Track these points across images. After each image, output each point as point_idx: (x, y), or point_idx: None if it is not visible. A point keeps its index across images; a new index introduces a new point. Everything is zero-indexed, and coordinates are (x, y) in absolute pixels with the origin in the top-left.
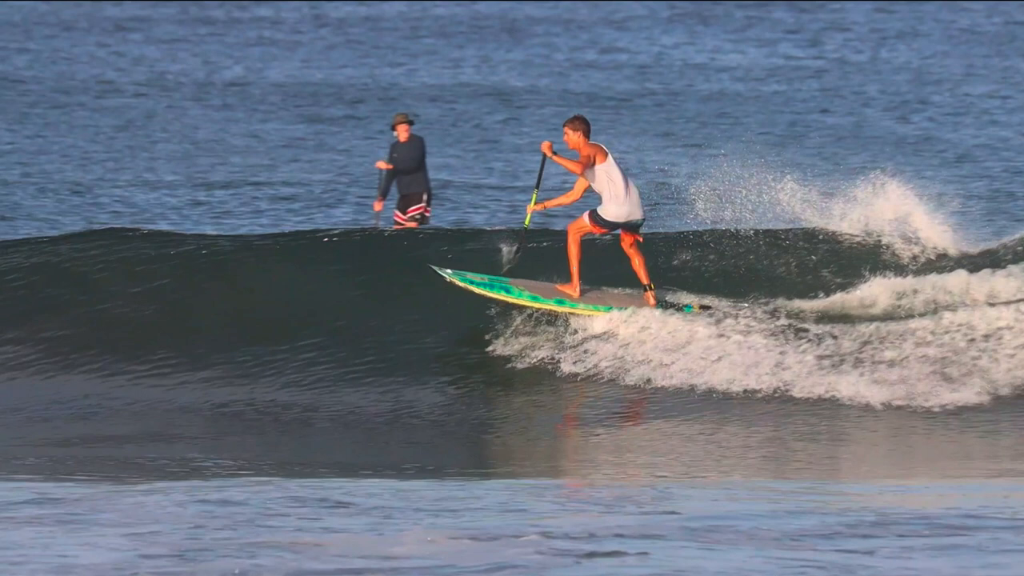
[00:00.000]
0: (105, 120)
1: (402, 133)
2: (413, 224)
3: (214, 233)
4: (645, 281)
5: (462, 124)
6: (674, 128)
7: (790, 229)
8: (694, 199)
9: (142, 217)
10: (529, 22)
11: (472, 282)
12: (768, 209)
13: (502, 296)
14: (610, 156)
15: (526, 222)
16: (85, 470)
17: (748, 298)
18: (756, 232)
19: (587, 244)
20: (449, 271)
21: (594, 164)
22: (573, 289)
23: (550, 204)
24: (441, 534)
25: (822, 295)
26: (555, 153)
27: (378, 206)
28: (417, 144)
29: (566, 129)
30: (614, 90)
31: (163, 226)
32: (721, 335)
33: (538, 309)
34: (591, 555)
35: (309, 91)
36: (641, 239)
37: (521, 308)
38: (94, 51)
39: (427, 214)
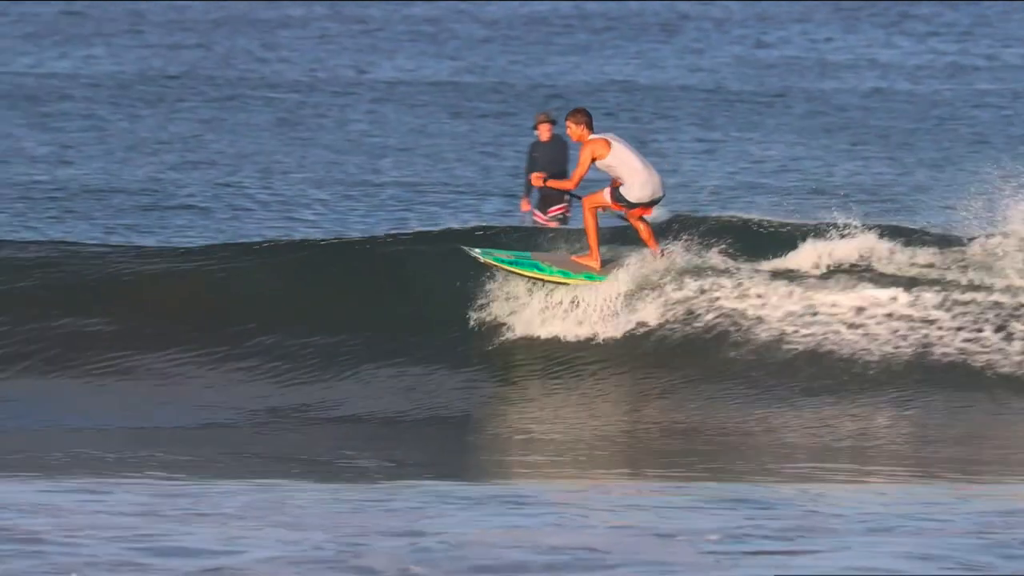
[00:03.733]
0: (262, 118)
1: (544, 133)
2: (554, 224)
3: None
4: (656, 249)
5: (616, 122)
6: (829, 124)
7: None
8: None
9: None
10: (680, 18)
11: (501, 260)
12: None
13: (532, 273)
14: (616, 143)
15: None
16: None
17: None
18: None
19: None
20: (478, 250)
21: (595, 160)
22: (594, 260)
23: (557, 185)
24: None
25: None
26: (545, 181)
27: (525, 206)
28: (559, 144)
29: (568, 123)
30: (766, 86)
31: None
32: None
33: (568, 283)
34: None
35: (463, 88)
36: (651, 212)
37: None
38: (254, 49)
39: (567, 214)
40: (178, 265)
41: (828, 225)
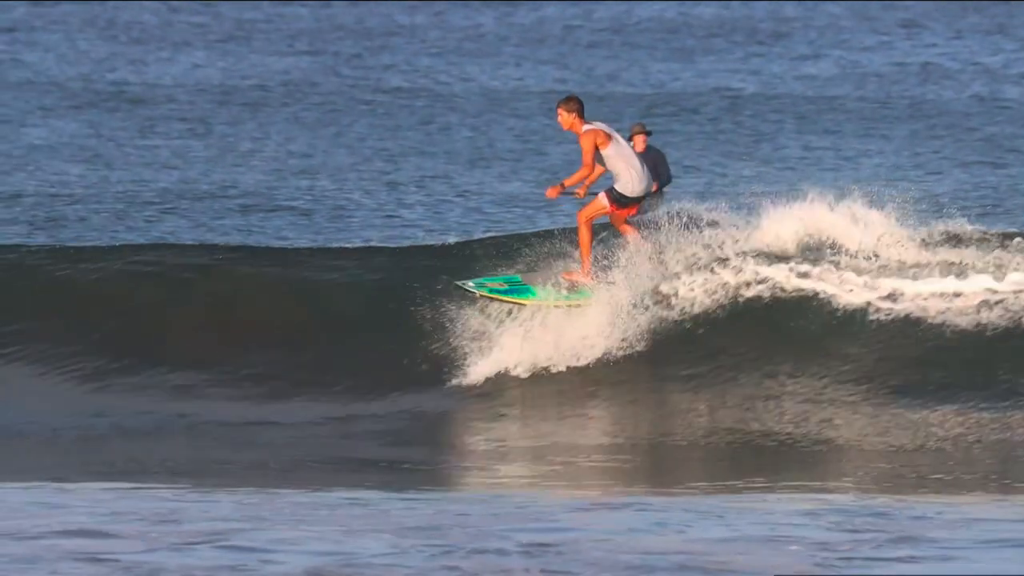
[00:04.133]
0: (365, 124)
1: (639, 144)
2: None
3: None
4: (648, 246)
5: (717, 126)
6: (933, 129)
7: None
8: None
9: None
10: (783, 23)
11: (496, 291)
12: None
13: (530, 301)
14: (614, 134)
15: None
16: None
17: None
18: None
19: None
20: (472, 283)
21: (598, 148)
22: (586, 275)
23: (569, 182)
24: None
25: None
26: (564, 190)
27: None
28: (653, 155)
29: (559, 110)
30: (870, 92)
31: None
32: None
33: (567, 306)
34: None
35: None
36: (636, 211)
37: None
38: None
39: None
40: (274, 269)
41: (935, 231)
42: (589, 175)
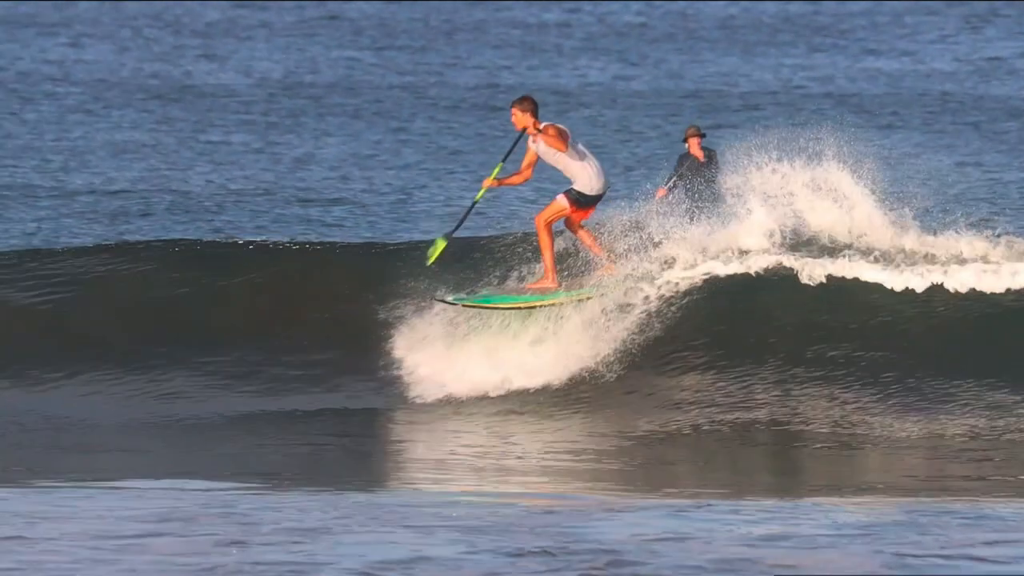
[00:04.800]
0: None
1: (693, 146)
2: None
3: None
4: (604, 254)
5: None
6: (996, 128)
7: None
8: None
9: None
10: (844, 20)
11: (477, 300)
12: None
13: (509, 304)
14: (569, 133)
15: (477, 196)
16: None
17: None
18: None
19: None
20: (451, 297)
21: (555, 150)
22: (550, 281)
23: (505, 182)
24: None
25: None
26: (499, 180)
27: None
28: (708, 156)
29: (513, 110)
30: (930, 91)
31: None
32: None
33: (539, 306)
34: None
35: (647, 95)
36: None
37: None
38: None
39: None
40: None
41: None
42: (527, 177)
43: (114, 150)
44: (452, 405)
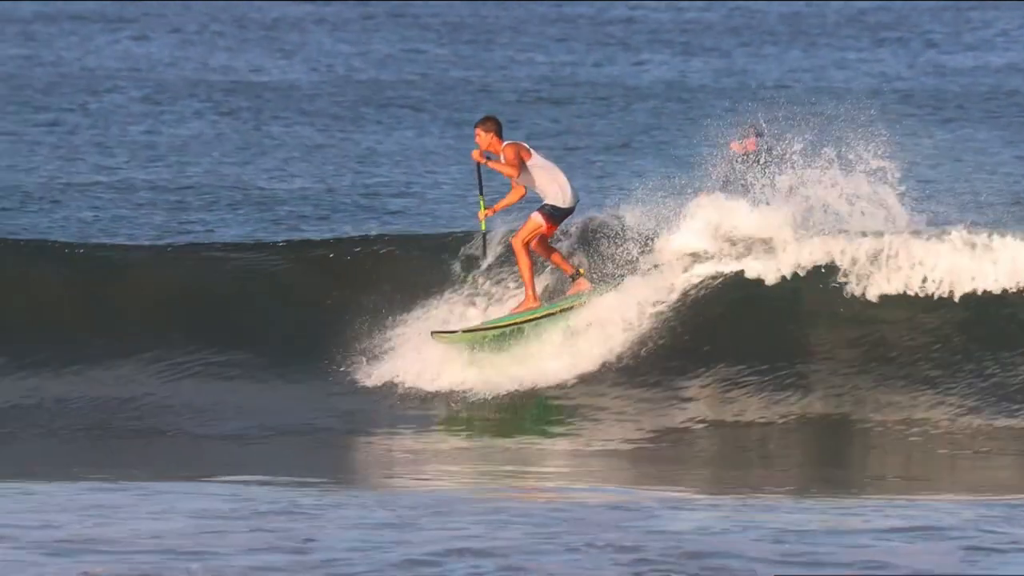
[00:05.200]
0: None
1: (751, 145)
2: None
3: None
4: (572, 270)
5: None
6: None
7: None
8: None
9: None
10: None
11: (479, 326)
12: None
13: (507, 322)
14: (533, 150)
15: (483, 227)
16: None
17: None
18: None
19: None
20: (446, 333)
21: (524, 161)
22: (533, 301)
23: (499, 207)
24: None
25: None
26: (488, 159)
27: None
28: (757, 152)
29: (477, 131)
30: (969, 88)
31: None
32: None
33: (548, 315)
34: None
35: (695, 90)
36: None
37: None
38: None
39: None
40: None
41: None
42: (521, 194)
43: (177, 145)
44: (494, 405)
